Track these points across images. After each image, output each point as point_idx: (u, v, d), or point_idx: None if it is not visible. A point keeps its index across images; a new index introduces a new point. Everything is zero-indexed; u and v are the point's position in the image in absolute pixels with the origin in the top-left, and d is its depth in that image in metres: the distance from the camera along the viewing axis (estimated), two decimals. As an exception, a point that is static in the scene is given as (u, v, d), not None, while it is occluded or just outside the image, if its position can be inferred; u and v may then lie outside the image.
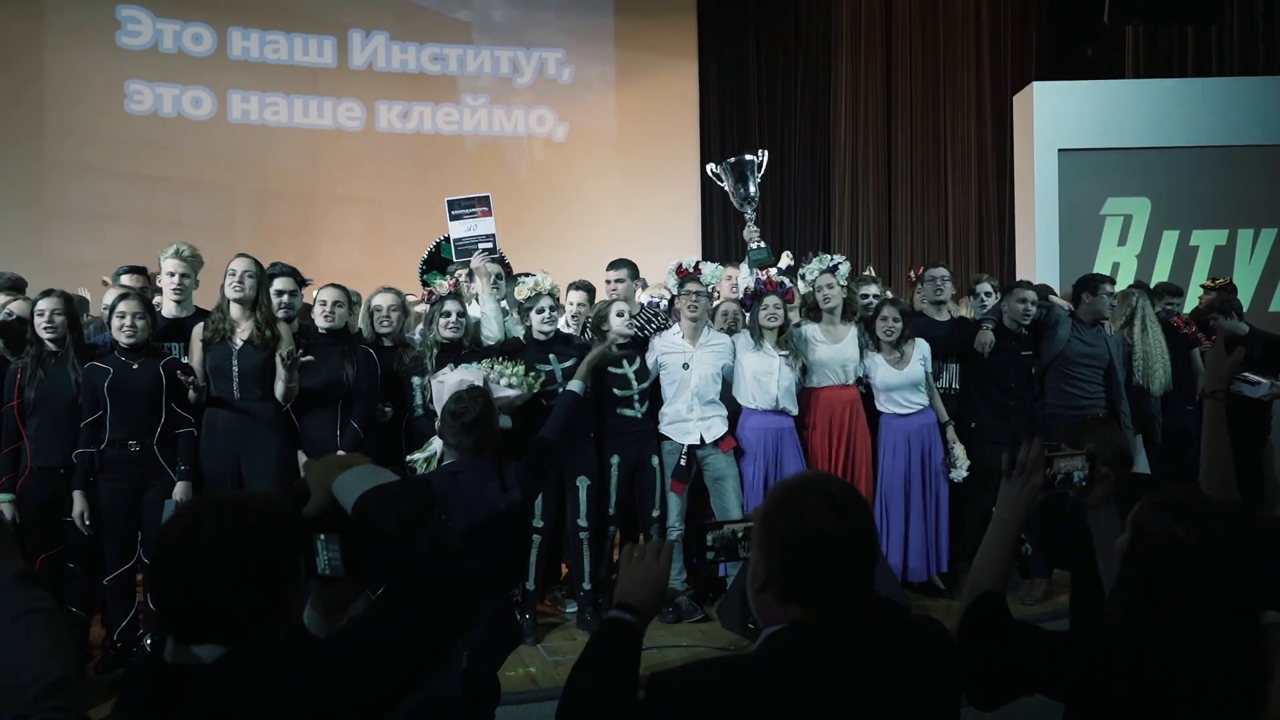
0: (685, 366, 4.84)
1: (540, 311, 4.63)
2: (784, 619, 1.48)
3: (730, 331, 5.12)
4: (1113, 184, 7.48)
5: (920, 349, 5.08)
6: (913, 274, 5.90)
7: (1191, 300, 7.20)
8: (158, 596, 1.33)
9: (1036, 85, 7.62)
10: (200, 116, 9.48)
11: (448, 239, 5.15)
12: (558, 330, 4.75)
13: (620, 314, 4.83)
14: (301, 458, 4.11)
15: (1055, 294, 6.02)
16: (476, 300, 4.67)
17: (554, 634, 4.68)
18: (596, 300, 5.51)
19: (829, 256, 5.22)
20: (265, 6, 9.72)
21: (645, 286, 5.65)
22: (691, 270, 5.09)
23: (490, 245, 4.79)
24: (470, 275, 4.79)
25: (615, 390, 4.74)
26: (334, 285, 4.28)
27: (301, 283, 4.35)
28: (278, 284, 4.24)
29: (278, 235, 9.17)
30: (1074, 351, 5.21)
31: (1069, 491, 2.03)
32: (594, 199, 10.52)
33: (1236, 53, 8.35)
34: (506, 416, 4.40)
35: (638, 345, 4.94)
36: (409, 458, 4.27)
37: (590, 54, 10.72)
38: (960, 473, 4.97)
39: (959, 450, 5.00)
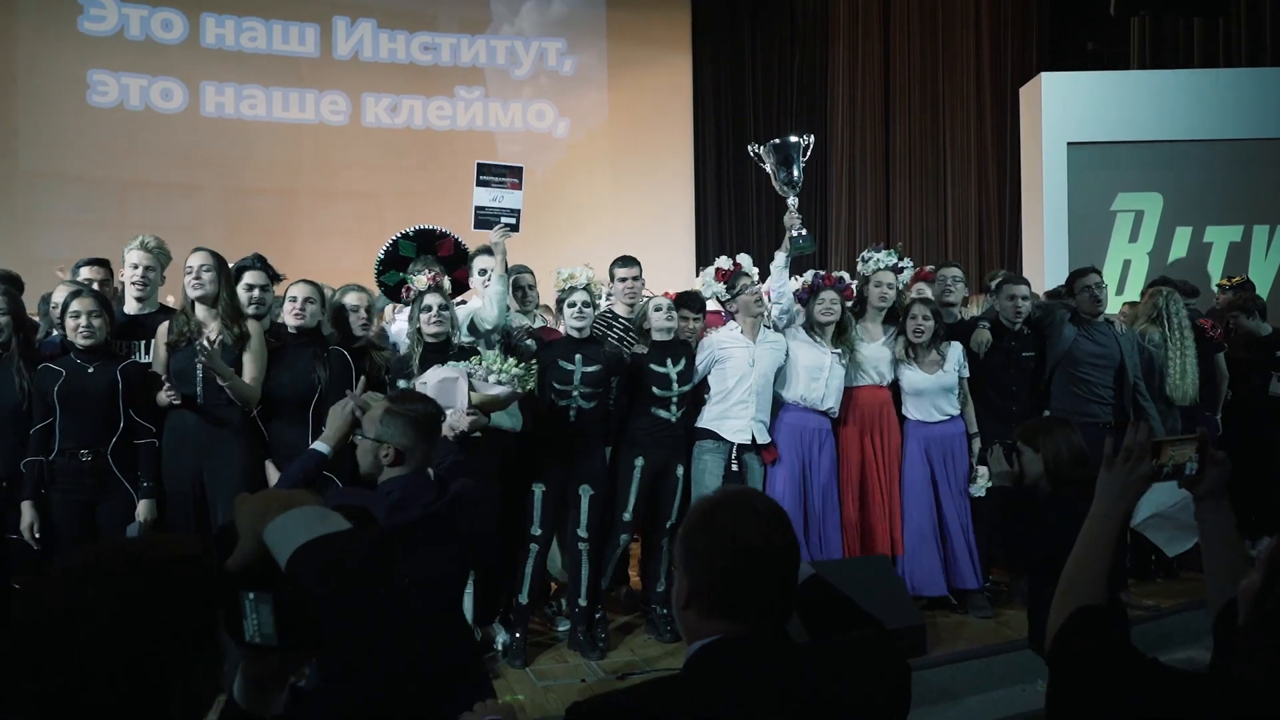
0: (752, 363, 4.60)
1: (573, 306, 4.35)
2: (709, 635, 1.45)
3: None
4: (1124, 179, 7.23)
5: (955, 352, 4.82)
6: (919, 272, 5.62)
7: (1207, 300, 6.97)
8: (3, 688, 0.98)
9: (1045, 76, 7.37)
10: (171, 110, 8.98)
11: (406, 235, 4.76)
12: (591, 331, 4.46)
13: (658, 309, 4.55)
14: (270, 468, 3.80)
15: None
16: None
17: (544, 656, 4.37)
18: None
19: (895, 253, 4.94)
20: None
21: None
22: (731, 269, 4.83)
23: (514, 221, 4.42)
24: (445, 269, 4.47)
25: (655, 389, 4.47)
26: (306, 281, 3.96)
27: (274, 277, 4.03)
28: (248, 278, 3.92)
29: (254, 237, 8.72)
30: (1081, 350, 4.94)
31: (1178, 481, 1.77)
32: (585, 194, 10.25)
33: (1244, 44, 8.14)
34: (517, 415, 4.12)
35: (682, 344, 4.66)
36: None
37: (582, 46, 10.45)
38: (980, 485, 4.69)
39: (982, 469, 4.74)
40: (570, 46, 10.41)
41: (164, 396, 3.62)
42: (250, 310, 3.90)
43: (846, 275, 4.88)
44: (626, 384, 4.51)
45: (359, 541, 1.14)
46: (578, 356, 4.33)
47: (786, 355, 4.72)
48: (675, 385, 4.50)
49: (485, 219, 4.42)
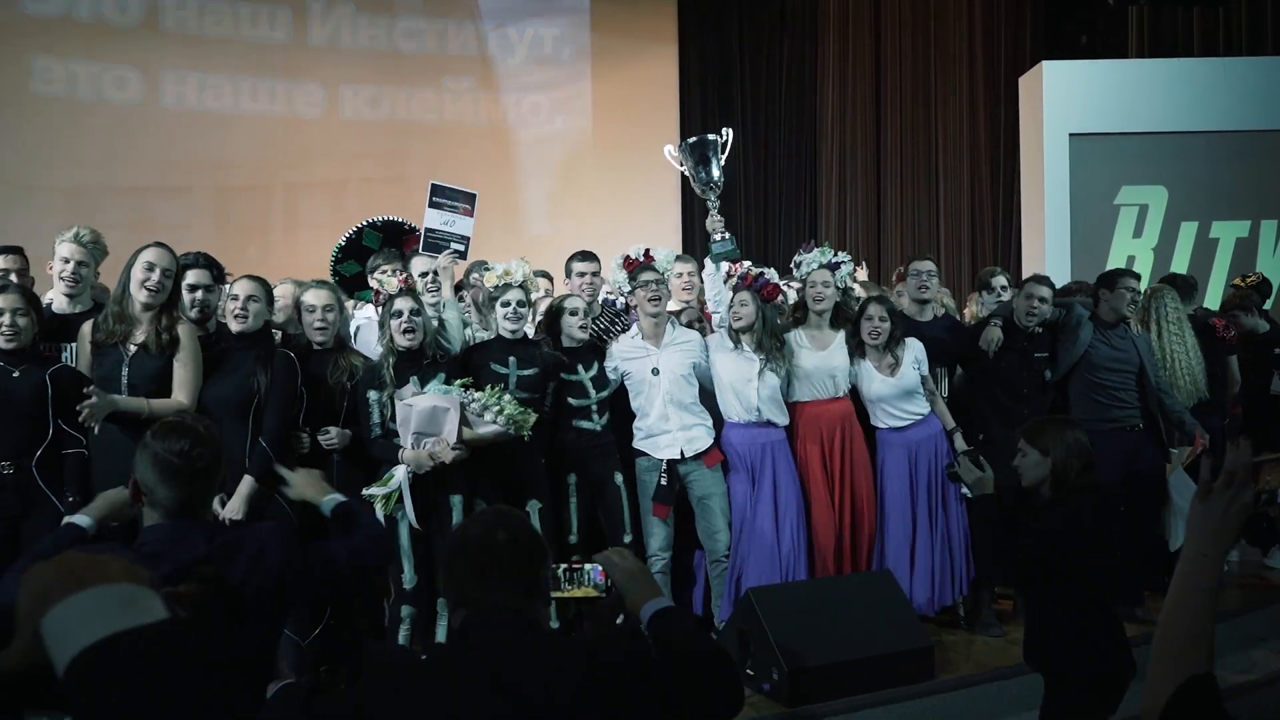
0: (655, 372, 4.22)
1: (506, 305, 3.99)
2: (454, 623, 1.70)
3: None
4: (1127, 171, 6.95)
5: (912, 350, 4.45)
6: (901, 269, 5.31)
7: (1213, 298, 6.72)
8: None
9: (1046, 65, 7.08)
10: (126, 101, 8.32)
11: (373, 224, 4.54)
12: (525, 332, 4.11)
13: (574, 312, 4.17)
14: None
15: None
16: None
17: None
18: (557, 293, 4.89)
19: (831, 250, 4.53)
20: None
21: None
22: (641, 259, 4.40)
23: (462, 249, 4.31)
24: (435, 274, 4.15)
25: (570, 400, 4.13)
26: (249, 277, 3.59)
27: (220, 277, 3.67)
28: (190, 277, 3.55)
29: (221, 236, 8.34)
30: (1099, 356, 4.63)
31: (1270, 511, 1.51)
32: (568, 189, 9.96)
33: (1244, 33, 7.91)
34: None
35: (594, 348, 4.33)
36: (365, 491, 3.62)
37: (566, 38, 10.15)
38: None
39: (965, 460, 4.39)
40: (554, 38, 10.12)
41: (86, 413, 3.21)
42: (194, 314, 3.54)
43: (772, 272, 4.48)
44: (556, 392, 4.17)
45: (161, 641, 0.80)
46: (511, 359, 3.97)
47: (707, 354, 4.33)
48: (592, 391, 4.16)
49: (434, 242, 4.30)
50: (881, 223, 10.47)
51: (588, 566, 2.05)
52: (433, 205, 4.32)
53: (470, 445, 3.59)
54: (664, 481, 4.18)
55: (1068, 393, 4.72)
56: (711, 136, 4.33)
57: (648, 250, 4.43)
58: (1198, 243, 6.96)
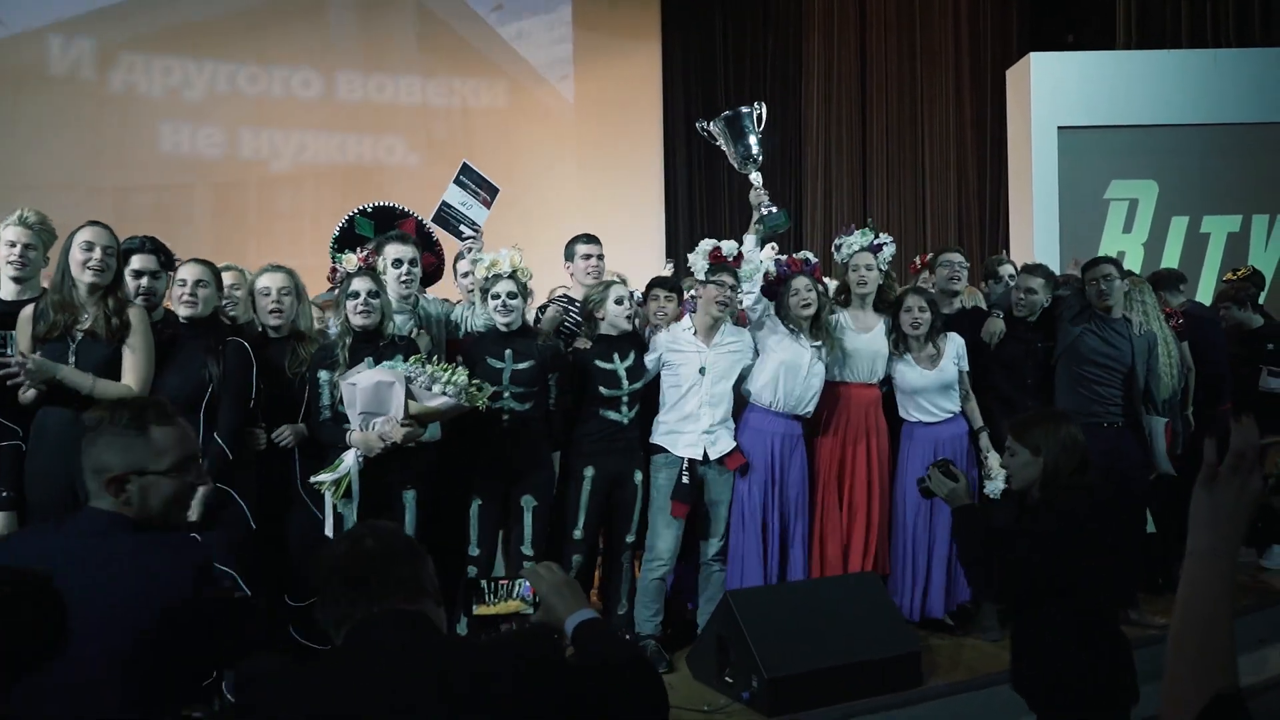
0: (701, 371, 4.06)
1: (496, 298, 3.80)
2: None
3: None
4: (1117, 165, 6.83)
5: (954, 345, 4.36)
6: (918, 260, 5.17)
7: (1204, 293, 6.59)
8: None
9: (1034, 56, 6.95)
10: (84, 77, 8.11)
11: (364, 211, 4.42)
12: (525, 322, 3.94)
13: (619, 300, 4.02)
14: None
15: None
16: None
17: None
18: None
19: (873, 232, 4.44)
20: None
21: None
22: (732, 260, 4.22)
23: (474, 235, 4.28)
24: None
25: (601, 389, 3.96)
26: (198, 260, 3.40)
27: (167, 263, 3.46)
28: (135, 262, 3.34)
29: (186, 226, 8.17)
30: (1086, 346, 4.46)
31: (1276, 500, 1.33)
32: (549, 187, 9.79)
33: (1232, 24, 7.80)
34: (435, 426, 3.60)
35: (635, 337, 4.16)
36: (314, 478, 3.44)
37: (546, 34, 9.98)
38: (997, 485, 4.20)
39: (994, 459, 4.25)
40: (534, 35, 9.95)
41: (22, 374, 3.03)
42: (139, 301, 3.34)
43: (811, 254, 4.37)
44: (570, 383, 4.00)
45: None
46: (507, 352, 3.81)
47: (755, 354, 4.20)
48: (625, 383, 3.99)
49: (447, 217, 4.29)
50: (868, 222, 10.32)
51: (516, 581, 1.89)
52: (457, 183, 4.34)
53: (423, 420, 3.39)
54: (685, 480, 4.03)
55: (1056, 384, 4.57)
56: (745, 109, 4.25)
57: (740, 253, 4.25)
58: (1189, 237, 6.83)
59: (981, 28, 9.89)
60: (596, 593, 4.64)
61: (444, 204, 4.33)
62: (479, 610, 1.91)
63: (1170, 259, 6.71)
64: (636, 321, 4.27)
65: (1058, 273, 5.13)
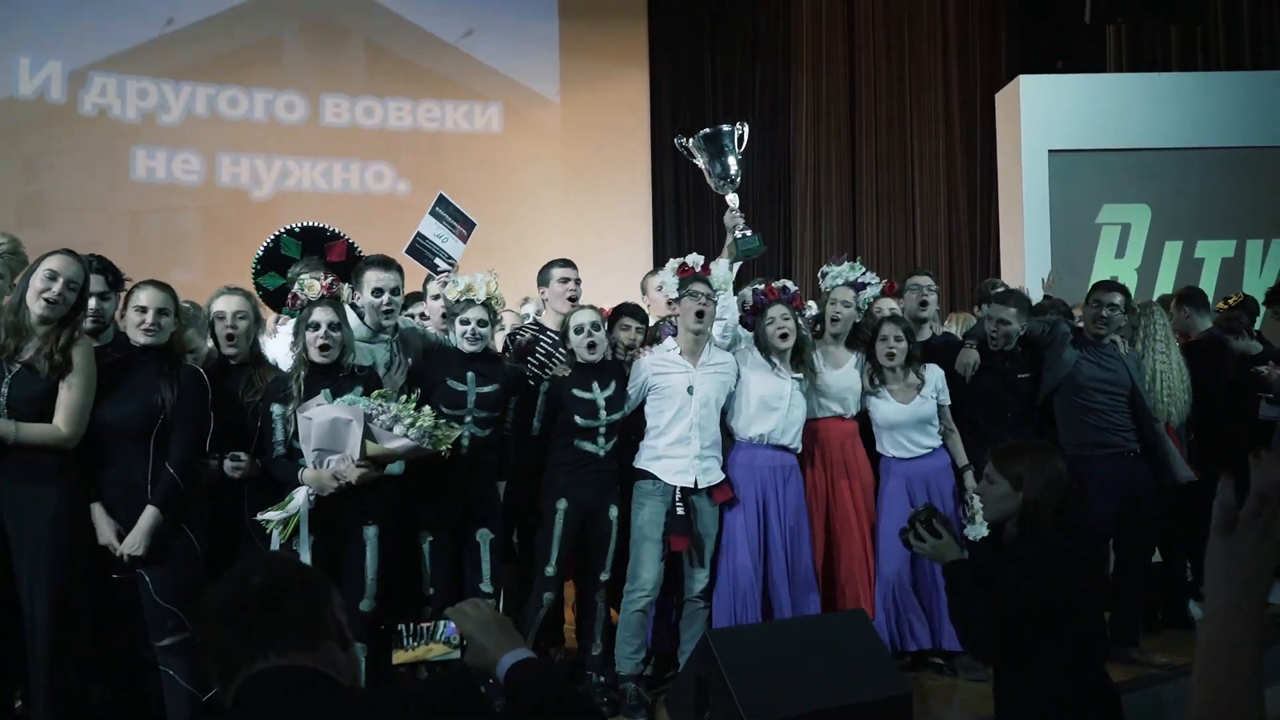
0: (690, 390, 3.87)
1: (465, 324, 3.63)
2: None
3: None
4: (1109, 189, 6.72)
5: (934, 377, 4.18)
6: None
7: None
8: None
9: (1024, 79, 6.86)
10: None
11: (291, 231, 4.17)
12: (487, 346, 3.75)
13: (578, 330, 3.82)
14: (98, 514, 3.05)
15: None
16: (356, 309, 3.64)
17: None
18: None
19: (861, 269, 4.30)
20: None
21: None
22: (699, 270, 4.04)
23: (450, 269, 4.18)
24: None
25: (578, 418, 3.77)
26: (156, 284, 3.20)
27: (116, 283, 3.29)
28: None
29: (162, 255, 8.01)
30: (1084, 375, 4.29)
31: None
32: (536, 212, 9.70)
33: (1222, 48, 7.77)
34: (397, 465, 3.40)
35: (617, 365, 3.99)
36: (261, 516, 3.24)
37: (533, 60, 9.91)
38: (979, 529, 4.02)
39: (979, 502, 4.07)
40: (521, 60, 9.89)
41: None
42: (88, 324, 3.17)
43: (789, 283, 4.19)
44: (530, 409, 3.83)
45: None
46: (470, 375, 3.62)
47: (738, 379, 4.03)
48: (603, 413, 3.80)
49: (422, 249, 4.19)
50: (857, 247, 10.23)
51: (440, 621, 1.70)
52: (433, 214, 4.24)
53: (380, 462, 3.21)
54: (681, 511, 3.84)
55: (1053, 415, 4.40)
56: (726, 127, 4.10)
57: (707, 262, 4.08)
58: (1182, 262, 6.71)
59: (970, 53, 9.85)
60: (573, 632, 4.45)
61: (419, 235, 4.21)
62: (398, 657, 1.72)
63: (1165, 284, 6.58)
64: (610, 352, 4.12)
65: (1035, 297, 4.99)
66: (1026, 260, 6.66)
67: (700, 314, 3.88)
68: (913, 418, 4.09)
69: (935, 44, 9.96)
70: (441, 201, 4.27)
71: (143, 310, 3.13)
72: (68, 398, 2.95)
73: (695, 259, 4.08)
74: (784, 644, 3.60)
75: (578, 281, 4.34)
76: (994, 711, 2.62)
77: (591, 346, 3.82)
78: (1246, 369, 5.18)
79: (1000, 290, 4.58)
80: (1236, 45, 7.71)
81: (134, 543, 3.03)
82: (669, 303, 4.13)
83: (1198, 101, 6.68)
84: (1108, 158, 6.69)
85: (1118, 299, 4.37)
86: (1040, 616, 2.40)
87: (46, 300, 2.96)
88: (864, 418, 4.27)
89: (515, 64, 9.91)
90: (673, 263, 4.14)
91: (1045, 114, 6.70)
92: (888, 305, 4.49)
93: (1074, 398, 4.31)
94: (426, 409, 3.28)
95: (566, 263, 4.38)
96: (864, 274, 4.30)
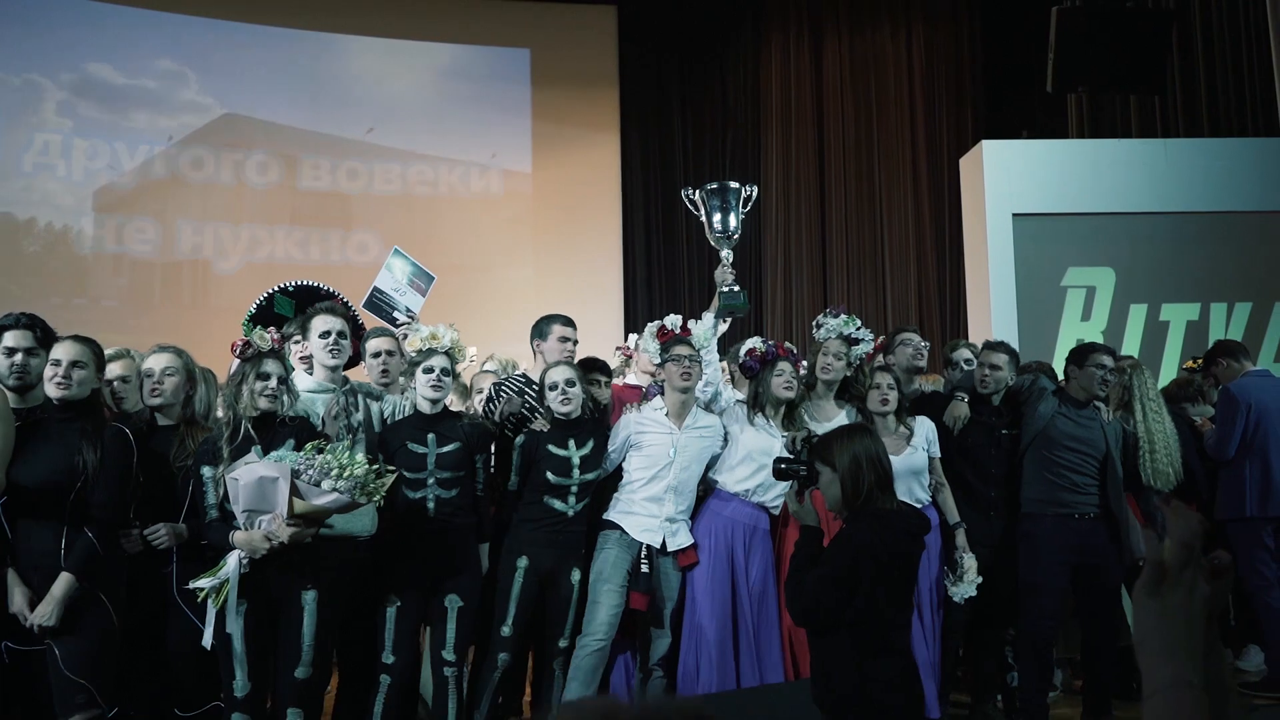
0: (673, 453, 3.84)
1: (429, 372, 3.56)
2: None
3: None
4: (1073, 253, 6.73)
5: (924, 429, 4.12)
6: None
7: (1165, 381, 6.43)
8: None
9: (986, 144, 6.91)
10: None
11: (285, 290, 4.28)
12: (445, 404, 3.68)
13: (552, 386, 3.83)
14: (11, 581, 2.89)
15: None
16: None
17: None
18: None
19: (856, 324, 4.28)
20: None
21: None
22: (677, 331, 4.03)
23: (409, 320, 4.21)
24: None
25: (549, 474, 3.71)
26: (76, 338, 3.09)
27: (45, 339, 3.16)
28: (8, 339, 3.03)
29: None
30: (1058, 431, 4.20)
31: None
32: (507, 275, 9.69)
33: (1180, 116, 7.91)
34: (370, 514, 3.28)
35: (597, 424, 3.95)
36: (193, 583, 3.09)
37: (505, 124, 9.98)
38: (965, 590, 3.92)
39: (969, 561, 3.97)
40: (493, 125, 9.96)
41: None
42: (11, 381, 3.04)
43: (793, 346, 4.21)
44: (520, 464, 3.76)
45: None
46: (430, 436, 3.55)
47: (725, 441, 3.99)
48: (577, 471, 3.73)
49: (379, 303, 4.25)
50: (853, 314, 10.24)
51: None
52: (388, 268, 4.32)
53: (312, 520, 3.07)
54: (645, 569, 3.76)
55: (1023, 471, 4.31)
56: (735, 185, 4.11)
57: (685, 324, 4.05)
58: (1148, 325, 6.71)
59: (936, 120, 10.03)
60: (528, 701, 4.28)
61: (375, 289, 4.27)
62: None
63: (1130, 347, 6.57)
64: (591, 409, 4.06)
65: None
66: (993, 322, 6.63)
67: (687, 375, 3.87)
68: (904, 468, 3.96)
69: (902, 113, 10.14)
70: (397, 254, 4.32)
71: (56, 364, 3.02)
72: None
73: (674, 320, 4.08)
74: (755, 713, 3.45)
75: (575, 343, 4.27)
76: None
77: (566, 402, 3.78)
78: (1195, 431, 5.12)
79: (989, 340, 4.56)
80: (1194, 112, 7.85)
81: (45, 612, 2.86)
82: (656, 366, 4.11)
83: (1159, 167, 6.75)
84: (1072, 221, 6.72)
85: (1111, 361, 4.33)
86: (832, 598, 2.51)
87: None
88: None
89: (487, 129, 9.97)
90: (651, 327, 4.13)
91: (1008, 178, 6.74)
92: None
93: (1042, 451, 4.23)
94: (360, 456, 3.16)
95: (568, 321, 4.28)
96: (859, 329, 4.27)
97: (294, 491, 2.97)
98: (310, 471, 2.99)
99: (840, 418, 4.14)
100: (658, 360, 4.03)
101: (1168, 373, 6.55)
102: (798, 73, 10.47)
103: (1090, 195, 6.71)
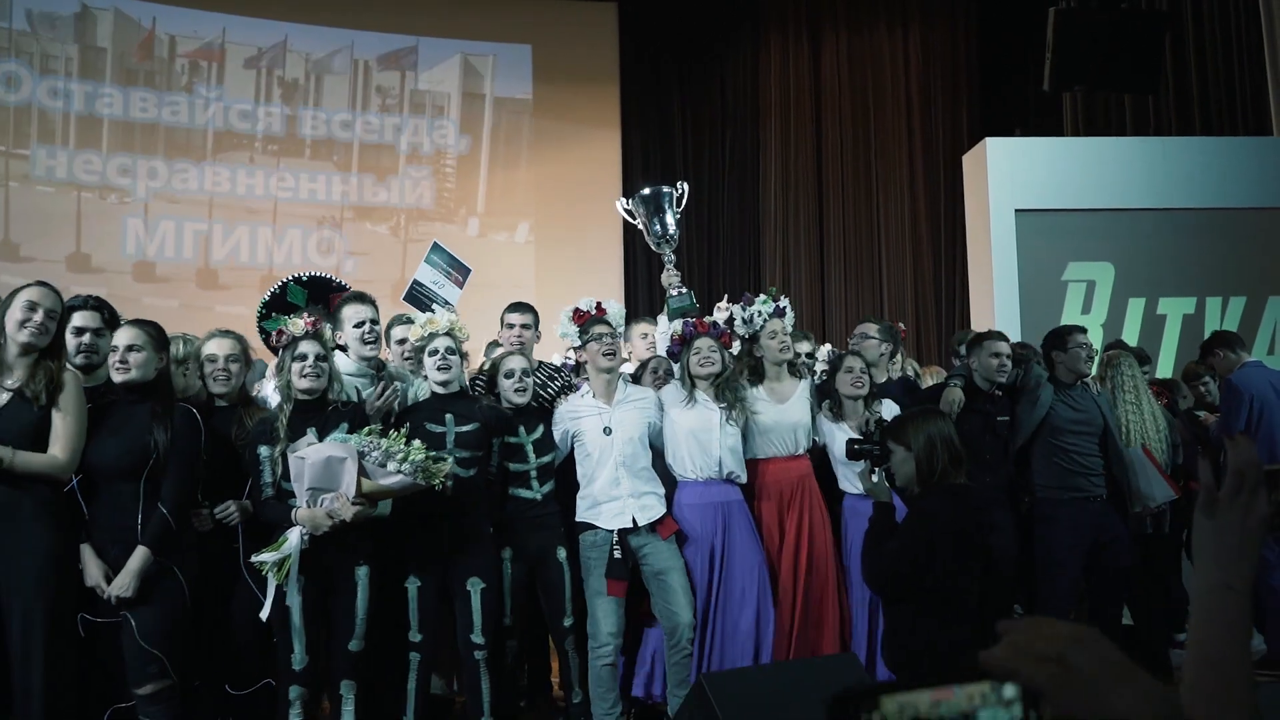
0: (606, 431, 3.87)
1: (434, 354, 3.65)
2: None
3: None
4: (1074, 248, 6.89)
5: (891, 412, 4.17)
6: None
7: (1163, 372, 6.63)
8: None
9: (989, 141, 7.06)
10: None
11: (298, 280, 4.35)
12: (462, 385, 3.77)
13: (510, 374, 3.85)
14: (87, 555, 2.98)
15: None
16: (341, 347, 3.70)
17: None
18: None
19: (771, 296, 4.22)
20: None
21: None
22: (592, 311, 4.10)
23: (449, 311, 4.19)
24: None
25: (509, 464, 3.80)
26: (133, 323, 3.17)
27: (112, 320, 3.26)
28: (77, 319, 3.15)
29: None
30: (1061, 418, 4.38)
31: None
32: (509, 274, 9.72)
33: (1173, 116, 8.12)
34: (386, 502, 3.39)
35: (541, 410, 4.02)
36: (255, 557, 3.20)
37: (506, 123, 10.05)
38: None
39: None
40: (494, 122, 10.02)
41: None
42: (79, 360, 3.13)
43: (720, 320, 4.15)
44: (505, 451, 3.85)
45: None
46: (448, 416, 3.63)
47: (662, 413, 4.01)
48: (532, 457, 3.82)
49: (419, 295, 4.33)
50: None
51: None
52: (429, 261, 4.40)
53: (375, 499, 3.18)
54: (617, 554, 3.78)
55: (1030, 459, 4.47)
56: (666, 188, 4.19)
57: (599, 303, 4.13)
58: (1146, 318, 6.89)
59: (932, 119, 10.19)
60: (558, 682, 4.38)
61: (415, 282, 4.36)
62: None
63: (1130, 338, 6.74)
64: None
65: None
66: (996, 315, 6.79)
67: (610, 354, 3.92)
68: None
69: (899, 111, 10.29)
70: (436, 249, 4.40)
71: (115, 349, 3.11)
72: (63, 426, 2.92)
73: (588, 301, 4.14)
74: (782, 687, 3.57)
75: (525, 327, 4.35)
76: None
77: (520, 391, 3.83)
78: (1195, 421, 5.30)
79: (993, 330, 4.70)
80: (1186, 111, 8.07)
81: (123, 584, 2.96)
82: (573, 349, 4.17)
83: (1156, 165, 6.93)
84: (1072, 217, 6.89)
85: (1085, 337, 4.55)
86: (906, 577, 2.71)
87: (30, 330, 2.95)
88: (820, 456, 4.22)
89: (488, 126, 10.03)
90: (565, 311, 4.17)
91: (1011, 175, 6.90)
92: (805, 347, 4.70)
93: (1049, 439, 4.39)
94: (416, 443, 3.29)
95: (518, 306, 4.42)
96: (782, 302, 4.20)
97: (360, 472, 3.07)
98: (375, 453, 3.10)
99: (798, 392, 4.14)
100: (577, 343, 4.07)
101: (1165, 363, 6.75)
102: (796, 71, 10.61)
103: (1091, 191, 6.89)
